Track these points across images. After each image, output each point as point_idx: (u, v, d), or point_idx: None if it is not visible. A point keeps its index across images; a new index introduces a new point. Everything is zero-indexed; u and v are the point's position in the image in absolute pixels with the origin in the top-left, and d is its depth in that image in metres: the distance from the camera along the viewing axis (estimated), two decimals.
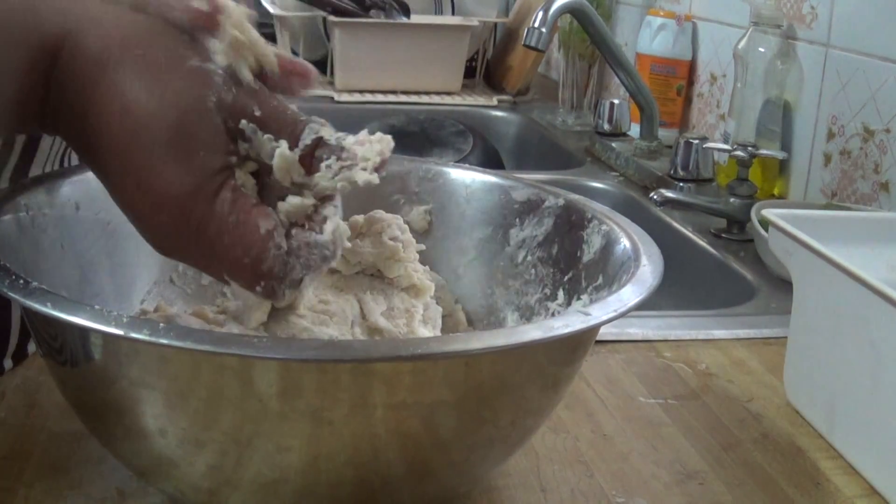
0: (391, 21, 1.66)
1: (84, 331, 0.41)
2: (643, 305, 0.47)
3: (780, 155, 1.08)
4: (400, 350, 0.41)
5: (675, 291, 1.04)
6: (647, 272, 0.50)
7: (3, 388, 0.61)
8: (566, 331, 0.42)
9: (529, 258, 0.63)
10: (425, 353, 0.40)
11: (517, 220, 0.63)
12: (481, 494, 0.54)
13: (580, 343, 0.49)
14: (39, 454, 0.54)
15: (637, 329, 0.77)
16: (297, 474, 0.43)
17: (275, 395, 0.40)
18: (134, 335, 0.38)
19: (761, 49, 1.13)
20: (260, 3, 1.76)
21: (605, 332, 0.76)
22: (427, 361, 0.41)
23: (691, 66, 1.39)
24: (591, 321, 0.44)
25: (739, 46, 1.15)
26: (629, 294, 0.47)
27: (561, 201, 0.62)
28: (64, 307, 0.40)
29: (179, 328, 0.39)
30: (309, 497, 0.44)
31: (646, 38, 1.41)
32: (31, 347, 0.66)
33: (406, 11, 1.68)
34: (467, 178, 0.66)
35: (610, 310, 0.45)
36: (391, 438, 0.42)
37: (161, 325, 0.39)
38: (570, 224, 0.61)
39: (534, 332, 0.43)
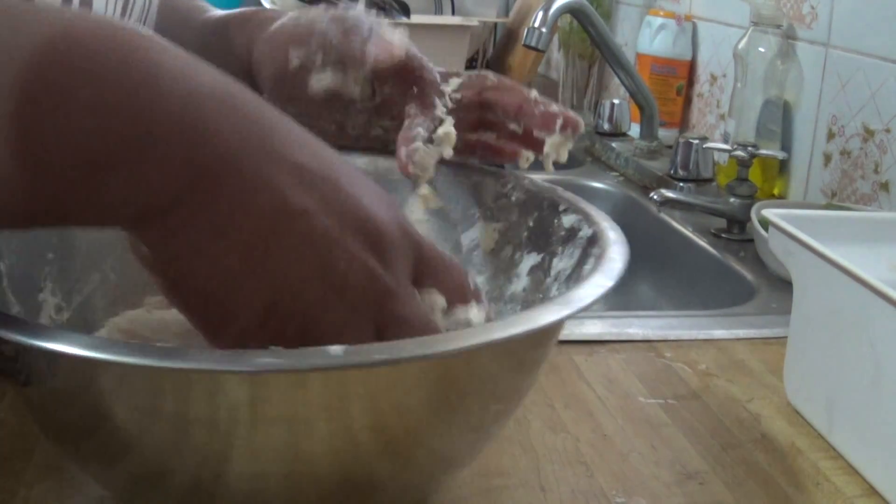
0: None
1: (34, 350, 0.37)
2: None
3: (780, 155, 1.08)
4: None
5: (675, 291, 1.04)
6: (614, 265, 0.48)
7: (4, 388, 0.61)
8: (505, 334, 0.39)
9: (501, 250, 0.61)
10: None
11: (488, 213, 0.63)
12: (481, 494, 0.54)
13: (540, 340, 0.46)
14: (39, 454, 0.54)
15: (637, 329, 0.77)
16: (277, 484, 0.41)
17: (245, 405, 0.37)
18: (68, 351, 0.35)
19: (761, 49, 1.13)
20: (259, 3, 1.75)
21: (605, 332, 0.76)
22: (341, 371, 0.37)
23: (691, 66, 1.39)
24: (536, 324, 0.40)
25: (739, 46, 1.15)
26: (580, 298, 0.43)
27: (523, 195, 0.61)
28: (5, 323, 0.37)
29: (124, 344, 0.36)
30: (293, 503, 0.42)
31: (646, 38, 1.41)
32: None
33: (406, 11, 1.68)
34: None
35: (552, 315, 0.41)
36: (367, 442, 0.40)
37: (106, 339, 0.36)
38: (539, 214, 0.60)
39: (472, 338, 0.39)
